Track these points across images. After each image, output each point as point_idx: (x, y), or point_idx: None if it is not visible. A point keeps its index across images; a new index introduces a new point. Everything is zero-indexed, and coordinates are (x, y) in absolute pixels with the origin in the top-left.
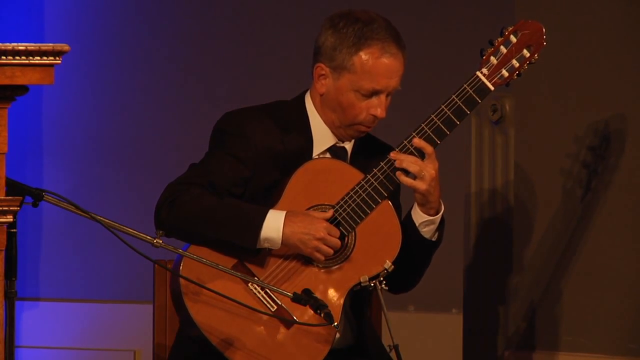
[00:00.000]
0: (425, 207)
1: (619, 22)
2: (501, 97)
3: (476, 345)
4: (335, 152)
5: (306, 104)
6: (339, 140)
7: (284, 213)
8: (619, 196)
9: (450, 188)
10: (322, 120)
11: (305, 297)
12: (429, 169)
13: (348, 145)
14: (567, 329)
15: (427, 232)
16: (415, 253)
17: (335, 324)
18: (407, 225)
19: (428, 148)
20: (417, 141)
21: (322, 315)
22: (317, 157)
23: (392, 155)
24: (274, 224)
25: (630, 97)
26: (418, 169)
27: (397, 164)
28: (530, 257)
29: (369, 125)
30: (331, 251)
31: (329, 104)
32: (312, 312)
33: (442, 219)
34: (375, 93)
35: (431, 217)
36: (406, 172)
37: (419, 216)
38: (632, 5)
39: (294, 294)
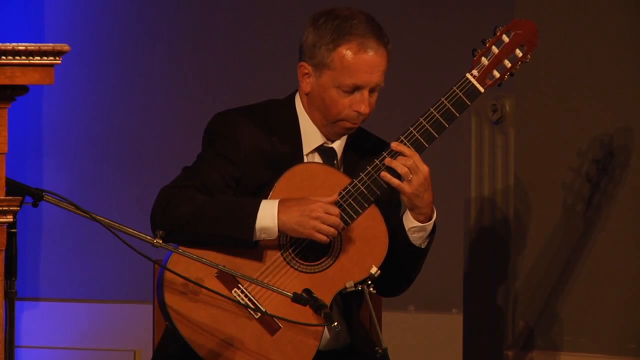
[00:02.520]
0: (414, 211)
1: (621, 23)
2: (501, 97)
3: (476, 345)
4: (324, 152)
5: (296, 104)
6: (327, 140)
7: (276, 201)
8: (619, 196)
9: (450, 188)
10: (310, 120)
11: (306, 297)
12: (418, 172)
13: (338, 145)
14: (567, 329)
15: (416, 238)
16: (402, 258)
17: (335, 324)
18: (397, 228)
19: (408, 151)
20: (395, 145)
21: (322, 315)
22: (305, 161)
23: (393, 145)
24: (268, 213)
25: (631, 96)
26: (406, 170)
27: (386, 162)
28: (530, 257)
29: (353, 122)
30: (333, 230)
31: (314, 102)
32: (299, 315)
33: (434, 227)
34: (356, 89)
35: (421, 224)
36: (395, 173)
37: (409, 221)
38: (634, 7)
39: (294, 293)
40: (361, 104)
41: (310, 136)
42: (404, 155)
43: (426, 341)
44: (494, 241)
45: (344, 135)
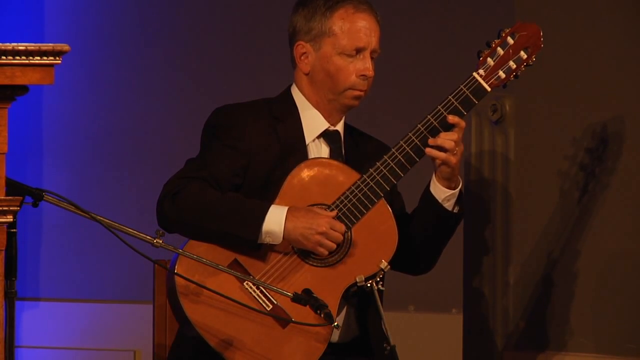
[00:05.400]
0: (450, 180)
1: (619, 23)
2: (501, 97)
3: (476, 345)
4: (329, 136)
5: (293, 95)
6: (330, 124)
7: (286, 208)
8: (618, 197)
9: None
10: (312, 106)
11: (305, 297)
12: (460, 144)
13: (340, 129)
14: (567, 329)
15: (449, 206)
16: (440, 229)
17: (336, 323)
18: (428, 203)
19: (462, 122)
20: (452, 118)
21: (322, 315)
22: (311, 152)
23: (450, 119)
24: (276, 218)
25: (630, 98)
26: (453, 145)
27: (430, 142)
28: (529, 257)
29: (361, 88)
30: (334, 245)
31: (318, 79)
32: (308, 310)
33: (460, 192)
34: (358, 51)
35: (454, 191)
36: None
37: (441, 192)
38: (632, 7)
39: (294, 294)
40: (365, 68)
41: (313, 122)
42: (447, 130)
43: (426, 341)
44: (494, 242)
45: (351, 107)
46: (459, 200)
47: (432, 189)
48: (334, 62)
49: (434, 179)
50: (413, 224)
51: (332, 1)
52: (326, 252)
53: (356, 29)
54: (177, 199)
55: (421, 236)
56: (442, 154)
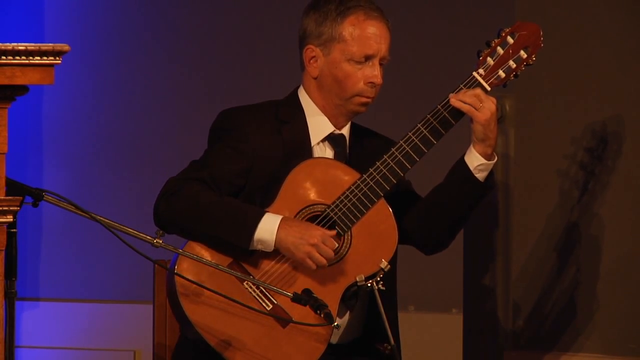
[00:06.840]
0: (484, 143)
1: (618, 22)
2: (501, 97)
3: (476, 345)
4: (334, 139)
5: (300, 98)
6: (336, 127)
7: (280, 217)
8: (618, 196)
9: None
10: (318, 109)
11: (305, 297)
12: (488, 102)
13: (346, 132)
14: (567, 328)
15: (480, 177)
16: (464, 198)
17: (336, 324)
18: (458, 172)
19: (477, 90)
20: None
21: (322, 315)
22: (315, 151)
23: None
24: (268, 227)
25: (630, 98)
26: (474, 99)
27: (451, 96)
28: (529, 257)
29: (368, 95)
30: (324, 260)
31: (326, 83)
32: (308, 310)
33: (492, 170)
34: (368, 58)
35: (487, 162)
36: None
37: (475, 159)
38: (632, 6)
39: (294, 294)
40: (374, 75)
41: (319, 125)
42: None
43: (426, 341)
44: (494, 241)
45: (358, 113)
46: (489, 177)
47: (466, 158)
48: (343, 68)
49: (470, 148)
50: (437, 194)
51: (344, 7)
52: (314, 266)
53: (366, 36)
54: (173, 200)
55: (444, 206)
56: (465, 106)
